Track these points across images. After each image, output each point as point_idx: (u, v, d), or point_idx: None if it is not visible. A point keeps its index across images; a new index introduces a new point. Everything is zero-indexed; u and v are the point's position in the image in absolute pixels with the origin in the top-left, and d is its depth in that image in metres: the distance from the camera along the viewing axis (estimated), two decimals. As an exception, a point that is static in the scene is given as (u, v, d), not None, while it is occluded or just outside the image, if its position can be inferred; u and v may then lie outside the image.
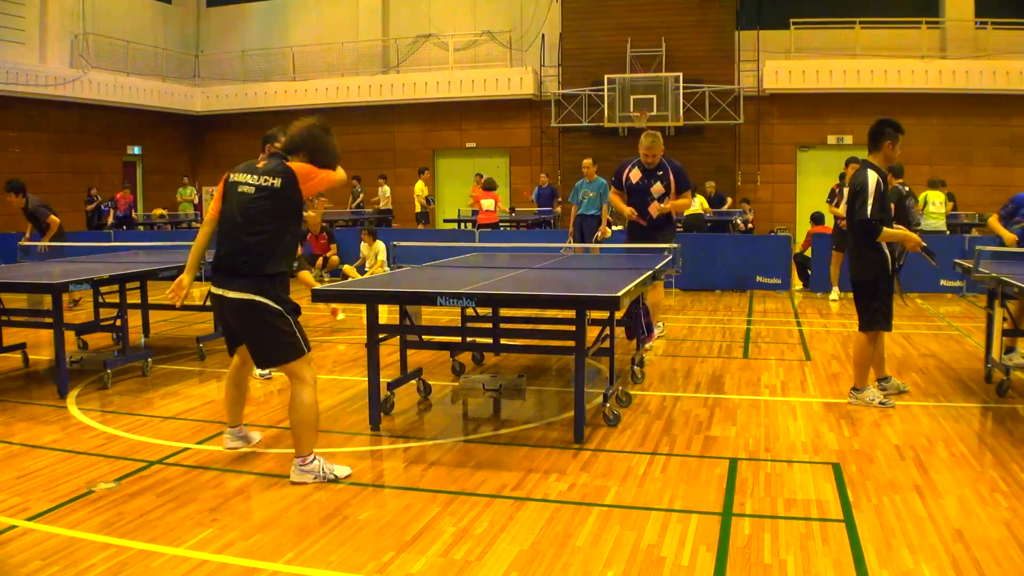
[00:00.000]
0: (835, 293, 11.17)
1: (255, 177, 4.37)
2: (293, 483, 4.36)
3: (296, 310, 4.44)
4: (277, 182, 4.32)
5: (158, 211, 20.80)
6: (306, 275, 9.04)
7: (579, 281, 6.26)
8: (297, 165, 4.40)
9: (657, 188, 7.90)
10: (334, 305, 9.41)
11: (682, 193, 8.02)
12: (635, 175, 7.93)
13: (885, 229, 5.60)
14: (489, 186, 15.60)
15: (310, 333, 4.49)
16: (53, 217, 9.86)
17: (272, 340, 4.35)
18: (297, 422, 4.37)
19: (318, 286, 8.71)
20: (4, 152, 18.87)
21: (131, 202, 19.15)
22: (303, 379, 4.38)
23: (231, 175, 4.48)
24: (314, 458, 4.40)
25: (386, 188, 20.03)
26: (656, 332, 8.19)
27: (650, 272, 6.04)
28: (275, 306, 4.31)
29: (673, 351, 7.96)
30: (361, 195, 20.20)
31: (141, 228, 19.76)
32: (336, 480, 4.40)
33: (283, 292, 4.42)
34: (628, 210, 7.94)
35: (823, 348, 7.99)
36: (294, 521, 3.91)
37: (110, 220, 19.15)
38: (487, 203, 15.12)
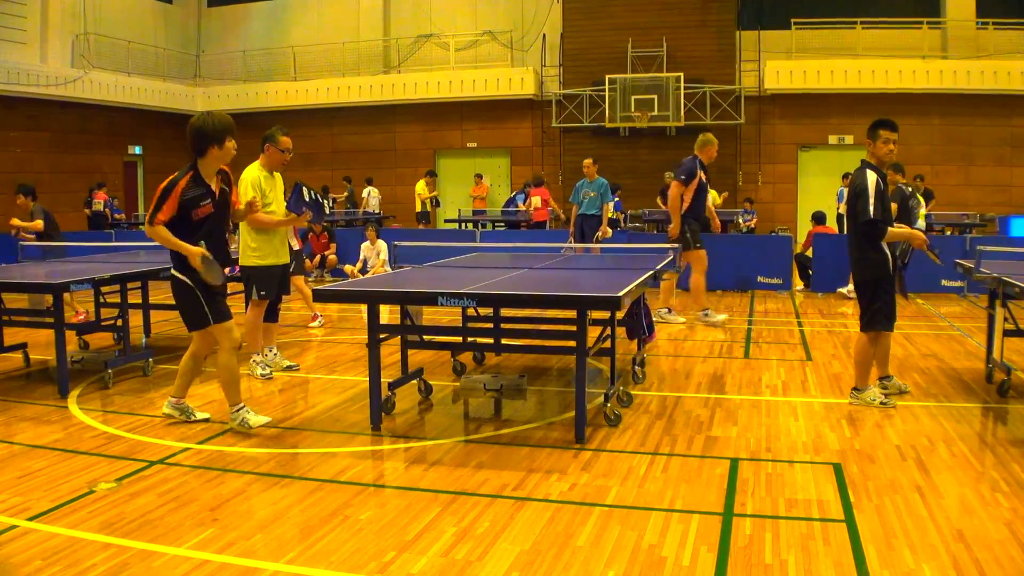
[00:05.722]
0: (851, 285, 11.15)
1: None
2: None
3: (206, 286, 5.07)
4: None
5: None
6: (298, 280, 8.44)
7: (580, 281, 6.26)
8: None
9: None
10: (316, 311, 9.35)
11: None
12: (701, 175, 8.17)
13: (890, 229, 5.60)
14: (539, 181, 15.28)
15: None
16: (38, 221, 9.60)
17: (182, 309, 5.22)
18: (219, 379, 5.34)
19: (309, 291, 8.65)
20: (6, 152, 18.87)
21: (106, 200, 18.89)
22: (221, 345, 5.20)
23: None
24: (240, 407, 5.25)
25: (371, 190, 19.93)
26: (717, 319, 8.49)
27: (651, 272, 6.04)
28: (187, 280, 5.08)
29: (674, 351, 7.96)
30: (351, 195, 20.24)
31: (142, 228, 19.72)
32: (249, 427, 5.18)
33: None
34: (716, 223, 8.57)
35: (824, 348, 7.99)
36: (295, 521, 3.91)
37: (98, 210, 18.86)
38: (536, 200, 14.84)
